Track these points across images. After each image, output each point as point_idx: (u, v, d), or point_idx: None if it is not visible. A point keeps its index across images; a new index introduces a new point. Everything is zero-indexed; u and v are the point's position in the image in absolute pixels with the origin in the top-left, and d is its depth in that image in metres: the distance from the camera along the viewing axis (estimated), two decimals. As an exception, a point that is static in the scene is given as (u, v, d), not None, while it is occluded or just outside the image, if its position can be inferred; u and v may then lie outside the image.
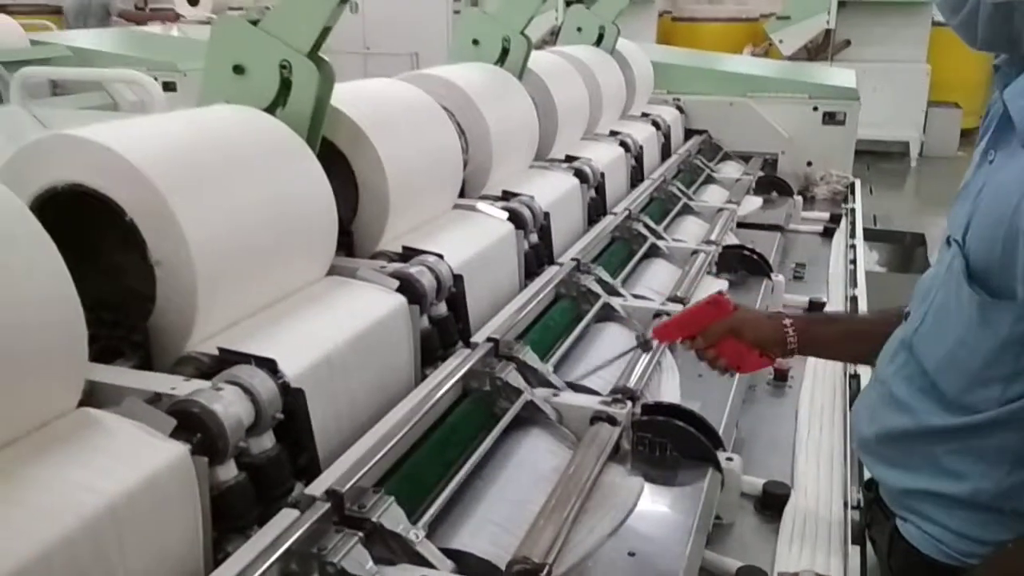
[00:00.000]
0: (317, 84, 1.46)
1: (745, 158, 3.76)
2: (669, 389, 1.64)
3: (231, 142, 1.30)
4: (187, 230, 1.13)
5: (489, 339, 1.53)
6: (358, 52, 8.70)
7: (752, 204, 3.13)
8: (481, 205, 1.96)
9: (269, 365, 1.12)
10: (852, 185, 3.72)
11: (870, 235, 4.86)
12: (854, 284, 2.56)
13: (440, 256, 1.59)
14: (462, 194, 2.06)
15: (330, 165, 1.58)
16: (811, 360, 2.08)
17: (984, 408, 1.04)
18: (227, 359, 1.14)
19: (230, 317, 1.22)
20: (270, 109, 1.49)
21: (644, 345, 1.62)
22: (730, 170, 3.55)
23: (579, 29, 3.39)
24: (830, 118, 3.81)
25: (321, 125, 1.52)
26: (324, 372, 1.21)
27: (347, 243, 1.65)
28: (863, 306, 2.42)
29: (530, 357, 1.54)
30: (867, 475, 1.36)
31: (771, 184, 3.38)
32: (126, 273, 1.19)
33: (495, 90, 2.23)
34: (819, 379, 2.00)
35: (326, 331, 1.27)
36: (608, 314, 1.92)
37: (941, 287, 1.09)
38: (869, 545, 1.38)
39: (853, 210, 3.36)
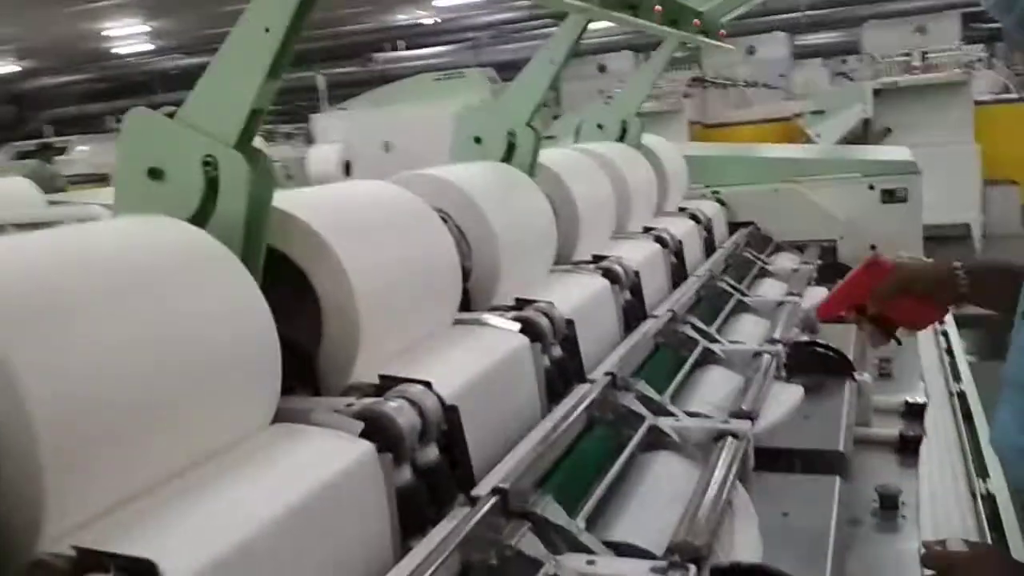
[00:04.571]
0: (249, 180, 1.16)
1: (800, 248, 3.38)
2: (746, 542, 1.22)
3: (118, 262, 0.98)
4: (29, 385, 0.79)
5: (495, 490, 1.15)
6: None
7: (817, 295, 2.71)
8: (487, 317, 1.61)
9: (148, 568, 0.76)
10: (927, 266, 3.30)
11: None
12: (957, 377, 2.11)
13: (427, 384, 1.23)
14: (466, 308, 1.72)
15: (284, 282, 1.27)
16: (925, 475, 1.64)
17: None
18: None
19: (104, 502, 0.86)
20: (199, 219, 1.19)
21: (810, 328, 1.53)
22: (785, 262, 3.17)
23: (600, 126, 3.13)
24: (889, 196, 3.44)
25: (263, 232, 1.21)
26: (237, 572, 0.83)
27: (311, 378, 1.30)
28: (974, 404, 1.97)
29: (552, 511, 1.15)
30: None
31: (835, 271, 2.98)
32: None
33: (500, 187, 1.93)
34: (939, 501, 1.55)
35: (251, 505, 0.91)
36: (657, 440, 1.52)
37: None
38: None
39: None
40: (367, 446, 1.06)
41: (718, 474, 1.36)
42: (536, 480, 1.24)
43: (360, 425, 1.08)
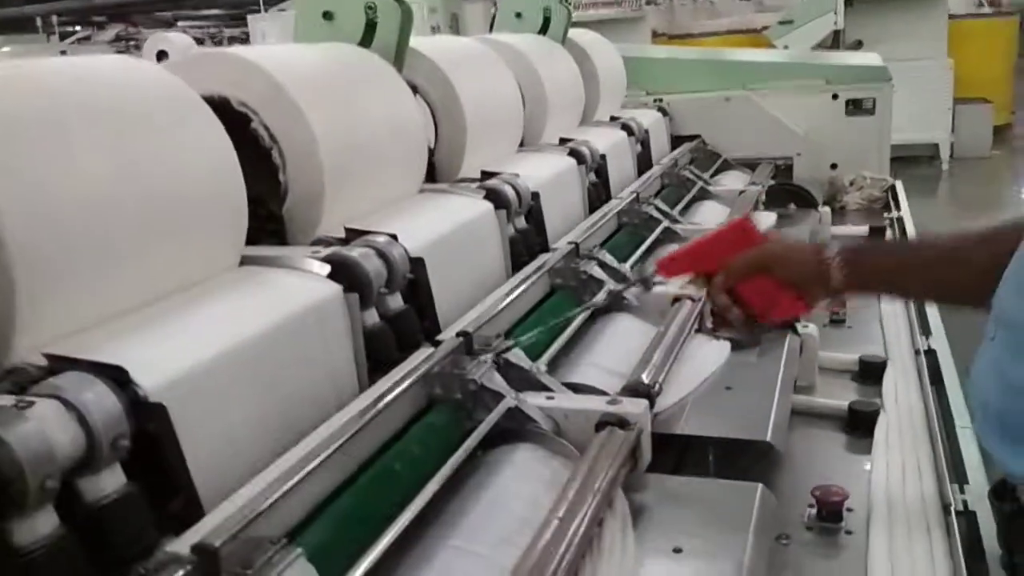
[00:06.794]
0: None
1: (751, 166, 2.94)
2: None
3: None
4: None
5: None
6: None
7: (764, 221, 2.30)
8: (299, 255, 1.16)
9: None
10: (892, 188, 2.89)
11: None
12: (925, 329, 1.71)
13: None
14: (279, 237, 1.27)
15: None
16: (880, 467, 1.25)
17: None
18: None
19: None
20: None
21: (643, 282, 1.33)
22: (732, 181, 2.74)
23: (518, 15, 2.62)
24: (855, 107, 3.00)
25: None
26: None
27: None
28: (946, 361, 1.57)
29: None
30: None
31: (787, 194, 2.56)
32: None
33: (346, 77, 1.45)
34: (896, 509, 1.16)
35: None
36: (519, 427, 1.10)
37: None
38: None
39: (900, 219, 2.52)
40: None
41: (589, 484, 0.95)
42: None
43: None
